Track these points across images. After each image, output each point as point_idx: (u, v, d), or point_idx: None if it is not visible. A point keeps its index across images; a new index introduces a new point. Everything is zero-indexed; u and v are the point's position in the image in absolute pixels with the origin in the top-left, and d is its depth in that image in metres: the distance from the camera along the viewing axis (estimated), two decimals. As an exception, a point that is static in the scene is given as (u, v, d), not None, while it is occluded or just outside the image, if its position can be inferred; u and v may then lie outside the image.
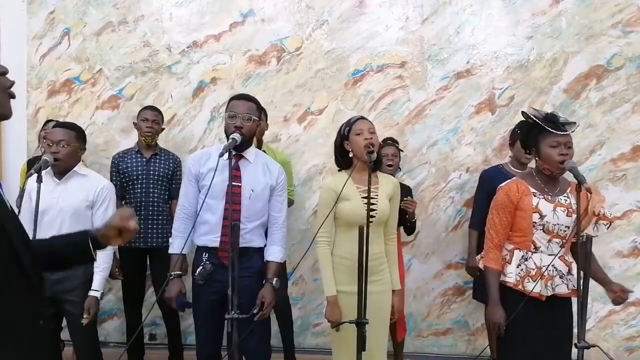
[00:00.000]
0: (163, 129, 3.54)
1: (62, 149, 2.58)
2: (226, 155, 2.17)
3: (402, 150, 3.46)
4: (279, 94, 3.80)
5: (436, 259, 3.77)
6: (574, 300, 2.21)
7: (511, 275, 2.27)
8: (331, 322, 2.34)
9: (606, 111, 3.62)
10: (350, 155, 2.39)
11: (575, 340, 2.07)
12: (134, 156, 3.42)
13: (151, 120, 3.39)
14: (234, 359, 2.02)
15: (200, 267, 2.36)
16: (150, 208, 3.36)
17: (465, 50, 3.70)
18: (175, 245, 2.42)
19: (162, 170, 3.41)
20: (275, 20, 3.81)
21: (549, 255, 2.25)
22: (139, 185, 3.36)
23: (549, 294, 2.24)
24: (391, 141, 3.39)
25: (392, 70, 3.75)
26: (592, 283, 2.33)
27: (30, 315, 1.06)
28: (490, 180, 3.11)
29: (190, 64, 3.87)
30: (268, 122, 3.49)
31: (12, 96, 1.09)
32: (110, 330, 3.92)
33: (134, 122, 3.50)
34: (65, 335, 2.69)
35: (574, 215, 2.16)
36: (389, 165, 3.20)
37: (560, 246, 2.25)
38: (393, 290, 2.45)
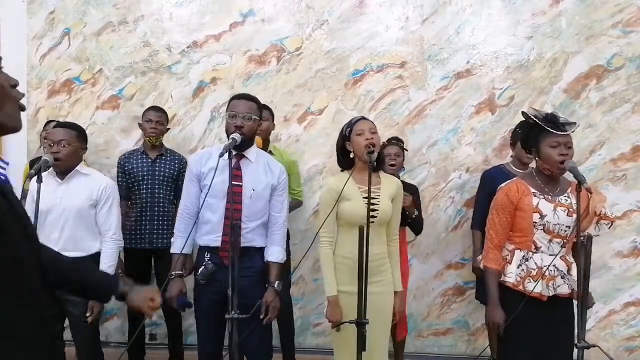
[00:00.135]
0: (168, 129, 3.55)
1: (63, 148, 2.58)
2: (226, 155, 2.17)
3: (406, 150, 3.46)
4: (279, 94, 3.80)
5: (436, 259, 3.77)
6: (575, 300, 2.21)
7: (511, 275, 2.27)
8: (331, 322, 2.35)
9: (606, 111, 3.62)
10: (352, 155, 2.40)
11: (575, 341, 2.07)
12: (139, 157, 3.43)
13: (155, 121, 3.40)
14: (234, 358, 2.02)
15: (202, 267, 2.37)
16: (156, 209, 3.37)
17: (465, 50, 3.70)
18: (176, 245, 2.42)
19: (167, 170, 3.42)
20: (275, 20, 3.81)
21: (550, 255, 2.25)
22: (144, 186, 3.37)
23: (550, 294, 2.24)
24: (396, 140, 3.40)
25: (392, 70, 3.75)
26: (592, 283, 2.33)
27: (40, 317, 1.07)
28: (492, 180, 3.11)
29: (190, 64, 3.87)
30: (270, 122, 3.49)
31: (23, 108, 1.10)
32: (111, 330, 3.92)
33: (138, 123, 3.51)
34: (67, 335, 2.70)
35: (575, 215, 2.16)
36: (392, 165, 3.20)
37: (561, 246, 2.25)
38: (395, 292, 2.46)
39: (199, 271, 2.37)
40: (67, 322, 2.69)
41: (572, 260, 2.30)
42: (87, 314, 2.54)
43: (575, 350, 2.03)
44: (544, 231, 2.24)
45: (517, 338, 2.25)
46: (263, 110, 3.26)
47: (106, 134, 3.94)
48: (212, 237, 2.38)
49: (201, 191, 2.40)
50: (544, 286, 2.23)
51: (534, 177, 2.33)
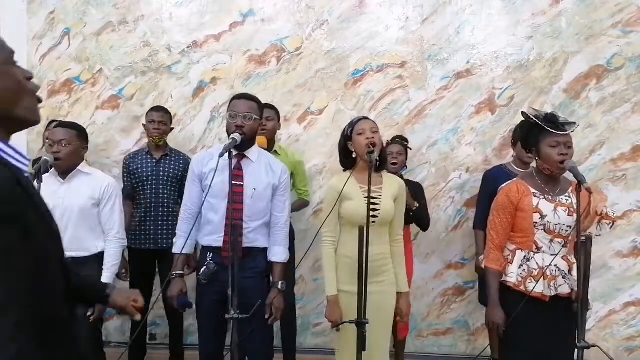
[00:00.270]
0: (172, 128, 3.55)
1: (63, 148, 2.58)
2: (227, 155, 2.17)
3: (410, 148, 3.46)
4: (279, 94, 3.80)
5: (436, 259, 3.77)
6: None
7: (512, 276, 2.27)
8: (331, 322, 2.35)
9: (606, 111, 3.62)
10: (354, 155, 2.41)
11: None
12: (144, 157, 3.43)
13: (158, 122, 3.40)
14: (234, 358, 2.02)
15: (204, 267, 2.38)
16: (160, 209, 3.37)
17: (465, 50, 3.70)
18: (178, 245, 2.43)
19: (171, 171, 3.42)
20: (275, 20, 3.81)
21: (552, 255, 2.25)
22: (148, 186, 3.37)
23: (552, 294, 2.24)
24: (400, 139, 3.40)
25: (392, 70, 3.75)
26: (592, 283, 2.33)
27: (68, 313, 1.11)
28: (494, 180, 3.11)
29: (190, 64, 3.87)
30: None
31: (40, 101, 1.11)
32: (112, 330, 3.92)
33: (143, 124, 3.51)
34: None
35: (576, 215, 2.16)
36: (393, 164, 3.20)
37: (563, 246, 2.25)
38: (400, 293, 2.45)
39: (201, 271, 2.38)
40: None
41: (574, 260, 2.30)
42: (89, 313, 2.54)
43: (576, 350, 2.03)
44: (545, 231, 2.24)
45: (519, 338, 2.25)
46: (269, 110, 3.28)
47: (106, 134, 3.94)
48: (215, 237, 2.39)
49: (203, 192, 2.41)
50: (545, 286, 2.23)
51: (534, 177, 2.33)
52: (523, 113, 2.33)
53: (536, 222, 2.24)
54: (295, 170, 3.38)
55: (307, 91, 3.80)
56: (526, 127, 2.36)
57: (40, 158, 2.64)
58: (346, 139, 2.42)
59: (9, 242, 0.91)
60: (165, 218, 3.37)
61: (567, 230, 2.24)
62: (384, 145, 2.69)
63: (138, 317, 1.52)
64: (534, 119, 2.24)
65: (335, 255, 2.41)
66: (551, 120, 2.22)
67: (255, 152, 2.47)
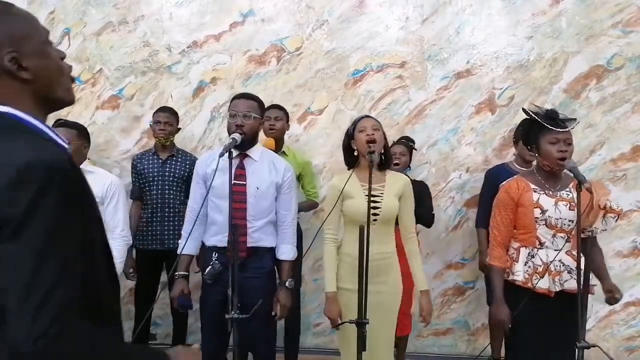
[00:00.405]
0: (179, 129, 3.54)
1: (64, 147, 2.58)
2: (227, 155, 2.17)
3: (415, 149, 3.46)
4: (279, 94, 3.80)
5: (436, 259, 3.77)
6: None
7: (519, 274, 2.26)
8: (330, 318, 2.36)
9: (606, 111, 3.62)
10: (356, 153, 2.41)
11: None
12: (150, 157, 3.43)
13: (163, 122, 3.39)
14: (235, 358, 2.02)
15: (210, 267, 2.37)
16: (167, 209, 3.36)
17: (465, 50, 3.70)
18: (181, 246, 2.43)
19: (178, 171, 3.41)
20: (275, 20, 3.81)
21: (555, 250, 2.24)
22: (155, 187, 3.37)
23: (557, 290, 2.23)
24: (405, 139, 3.40)
25: (392, 70, 3.75)
26: (593, 282, 2.33)
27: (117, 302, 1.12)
28: (495, 178, 3.12)
29: (190, 64, 3.87)
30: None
31: (73, 80, 1.11)
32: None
33: (150, 124, 3.51)
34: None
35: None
36: (395, 164, 3.20)
37: (566, 241, 2.24)
38: (421, 291, 2.44)
39: (207, 271, 2.38)
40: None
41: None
42: None
43: (576, 350, 2.03)
44: (547, 226, 2.24)
45: (526, 335, 2.23)
46: (277, 110, 3.28)
47: (106, 134, 3.93)
48: (220, 237, 2.38)
49: (207, 192, 2.41)
50: (550, 282, 2.22)
51: (535, 174, 2.34)
52: (524, 109, 2.33)
53: (537, 218, 2.24)
54: (303, 171, 3.38)
55: (307, 91, 3.80)
56: (527, 124, 2.36)
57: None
58: (349, 137, 2.43)
59: (70, 220, 0.90)
60: (171, 218, 3.36)
61: (569, 225, 2.23)
62: (389, 144, 2.69)
63: None
64: (534, 115, 2.24)
65: (336, 253, 2.41)
66: (551, 117, 2.22)
67: (257, 151, 2.46)
